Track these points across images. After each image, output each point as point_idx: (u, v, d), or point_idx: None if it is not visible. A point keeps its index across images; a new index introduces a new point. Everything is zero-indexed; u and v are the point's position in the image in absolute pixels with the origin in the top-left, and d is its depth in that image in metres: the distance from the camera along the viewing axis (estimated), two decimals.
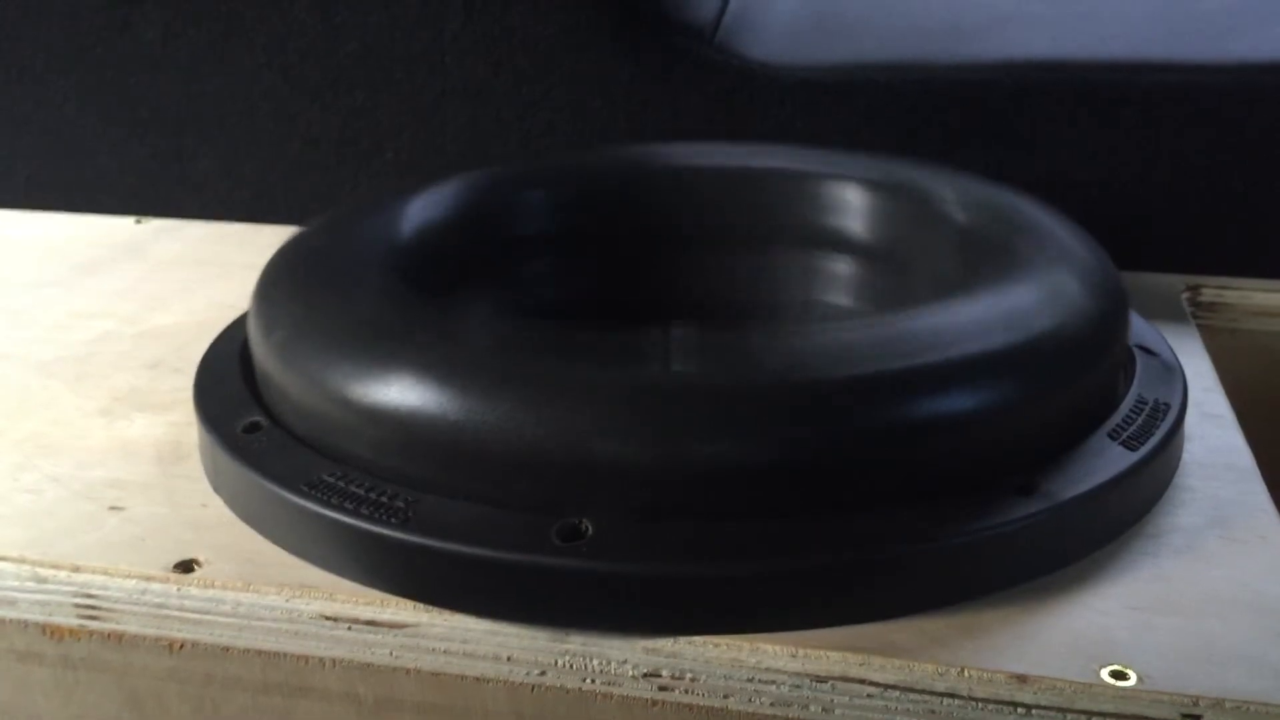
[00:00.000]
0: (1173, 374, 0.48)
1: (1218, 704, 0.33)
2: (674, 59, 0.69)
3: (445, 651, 0.38)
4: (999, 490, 0.39)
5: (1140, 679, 0.34)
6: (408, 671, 0.39)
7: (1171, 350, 0.50)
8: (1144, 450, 0.42)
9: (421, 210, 0.54)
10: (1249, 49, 0.65)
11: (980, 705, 0.35)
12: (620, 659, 0.37)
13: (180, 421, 0.50)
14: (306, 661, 0.39)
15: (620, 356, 0.41)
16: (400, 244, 0.51)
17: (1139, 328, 0.51)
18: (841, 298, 0.58)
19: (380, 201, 0.55)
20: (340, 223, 0.53)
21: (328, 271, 0.48)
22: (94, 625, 0.41)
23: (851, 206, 0.56)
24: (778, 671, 0.36)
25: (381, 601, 0.38)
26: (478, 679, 0.38)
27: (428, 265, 0.50)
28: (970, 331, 0.42)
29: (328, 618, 0.39)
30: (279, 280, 0.48)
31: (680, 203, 0.59)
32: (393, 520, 0.38)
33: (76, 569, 0.41)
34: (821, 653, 0.36)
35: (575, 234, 0.59)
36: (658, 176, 0.60)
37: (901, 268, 0.55)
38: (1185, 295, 0.63)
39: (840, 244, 0.57)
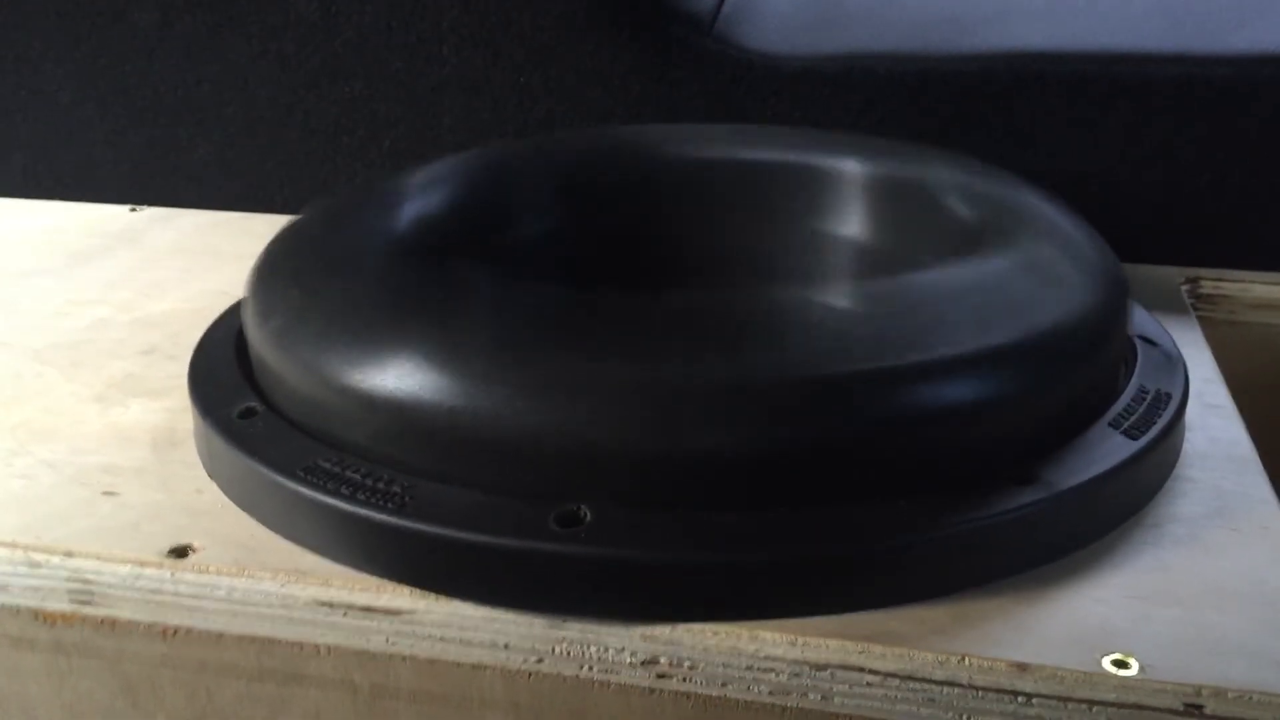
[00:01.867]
0: (1174, 364, 0.47)
1: (1220, 693, 0.33)
2: (673, 49, 0.68)
3: (442, 638, 0.38)
4: (999, 479, 0.39)
5: (1142, 668, 0.34)
6: (404, 658, 0.38)
7: (1172, 341, 0.50)
8: (1145, 440, 0.42)
9: (418, 193, 0.53)
10: (1249, 42, 0.65)
11: (980, 694, 0.34)
12: (618, 646, 0.37)
13: (175, 408, 0.50)
14: (301, 648, 0.39)
15: (620, 344, 0.41)
16: (398, 228, 0.50)
17: (1140, 318, 0.51)
18: (841, 279, 0.57)
19: (376, 186, 0.54)
20: (337, 208, 0.52)
21: (325, 257, 0.48)
22: (87, 611, 0.41)
23: (850, 191, 0.56)
24: (777, 659, 0.36)
25: (378, 588, 0.38)
26: (474, 666, 0.38)
27: (425, 247, 0.50)
28: (971, 322, 0.41)
29: (323, 604, 0.38)
30: (276, 266, 0.48)
31: (676, 180, 0.59)
32: (389, 506, 0.38)
33: (70, 554, 0.40)
34: (821, 641, 0.36)
35: (573, 222, 0.58)
36: (653, 162, 0.60)
37: (900, 256, 0.55)
38: (1185, 287, 0.63)
39: (840, 226, 0.57)
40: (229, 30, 0.74)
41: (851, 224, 0.56)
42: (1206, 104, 0.63)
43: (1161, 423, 0.43)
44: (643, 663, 0.37)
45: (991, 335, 0.41)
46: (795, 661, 0.36)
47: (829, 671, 0.35)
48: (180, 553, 0.40)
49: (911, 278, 0.45)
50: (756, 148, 0.59)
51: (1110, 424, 0.43)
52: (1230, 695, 0.33)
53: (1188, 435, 0.46)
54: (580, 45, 0.69)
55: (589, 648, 0.37)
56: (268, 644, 0.39)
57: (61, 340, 0.58)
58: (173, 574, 0.39)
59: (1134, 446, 0.41)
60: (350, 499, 0.39)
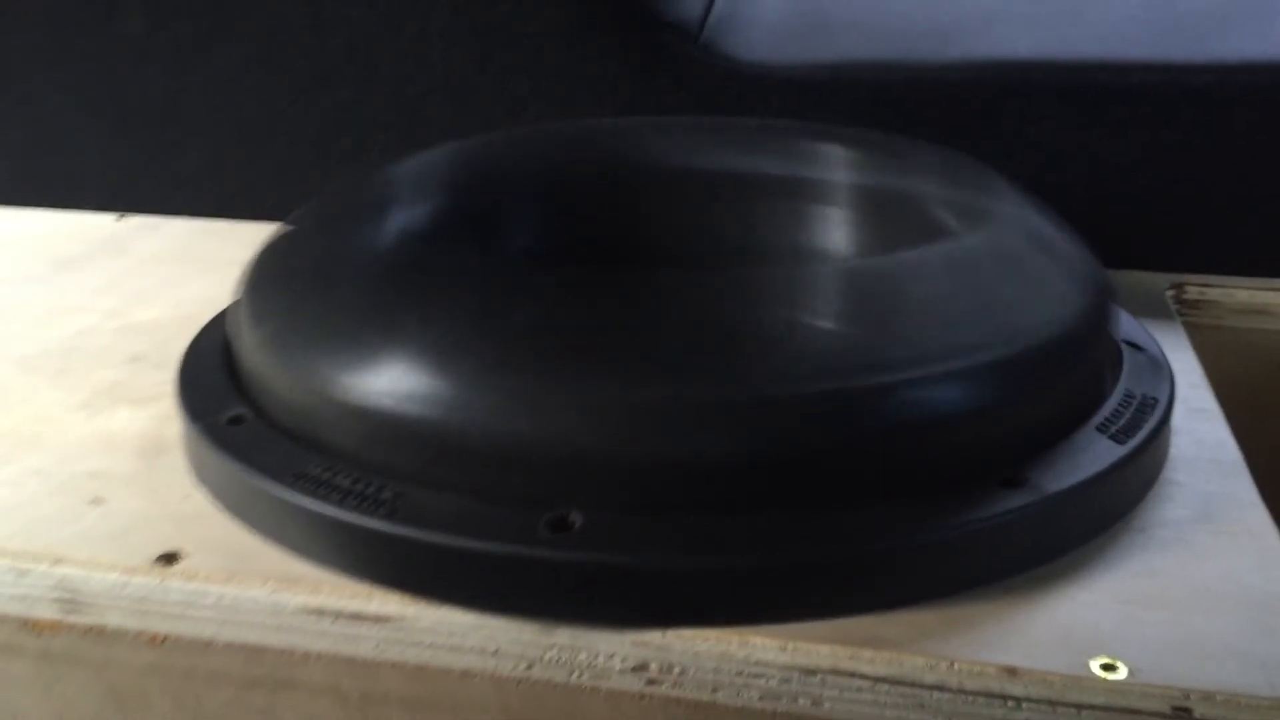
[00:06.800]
0: (1160, 369, 0.48)
1: (1208, 697, 0.33)
2: (660, 57, 0.69)
3: (431, 645, 0.38)
4: (988, 484, 0.39)
5: (1130, 672, 0.34)
6: (393, 665, 0.38)
7: (1158, 346, 0.50)
8: (1132, 444, 0.42)
9: (405, 196, 0.53)
10: (1232, 49, 0.66)
11: (970, 698, 0.35)
12: (608, 652, 0.37)
13: (162, 415, 0.50)
14: (291, 655, 0.39)
15: (610, 350, 0.41)
16: (386, 233, 0.50)
17: (1126, 324, 0.51)
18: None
19: (363, 187, 0.54)
20: (325, 214, 0.52)
21: (313, 264, 0.48)
22: (75, 619, 0.40)
23: (839, 196, 0.56)
24: (767, 664, 0.36)
25: (367, 594, 0.38)
26: (464, 672, 0.38)
27: (413, 253, 0.50)
28: (958, 328, 0.41)
29: (312, 611, 0.38)
30: (265, 273, 0.48)
31: (662, 181, 0.59)
32: (379, 512, 0.38)
33: (57, 562, 0.40)
34: (811, 646, 0.36)
35: (561, 226, 0.58)
36: (640, 164, 0.60)
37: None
38: (1170, 293, 0.63)
39: (829, 230, 0.57)
40: (216, 36, 0.74)
41: (840, 228, 0.57)
42: (1190, 111, 0.63)
43: (1148, 427, 0.43)
44: (633, 668, 0.37)
45: (979, 341, 0.41)
46: (785, 666, 0.36)
47: (819, 676, 0.35)
48: (168, 560, 0.40)
49: (899, 283, 0.45)
50: (741, 148, 0.60)
51: (1097, 428, 0.43)
52: (1218, 698, 0.33)
53: (1174, 439, 0.46)
54: (568, 52, 0.69)
55: (579, 653, 0.37)
56: (256, 651, 0.39)
57: (48, 348, 0.58)
58: (161, 581, 0.39)
59: (1121, 451, 0.42)
60: (339, 505, 0.38)
